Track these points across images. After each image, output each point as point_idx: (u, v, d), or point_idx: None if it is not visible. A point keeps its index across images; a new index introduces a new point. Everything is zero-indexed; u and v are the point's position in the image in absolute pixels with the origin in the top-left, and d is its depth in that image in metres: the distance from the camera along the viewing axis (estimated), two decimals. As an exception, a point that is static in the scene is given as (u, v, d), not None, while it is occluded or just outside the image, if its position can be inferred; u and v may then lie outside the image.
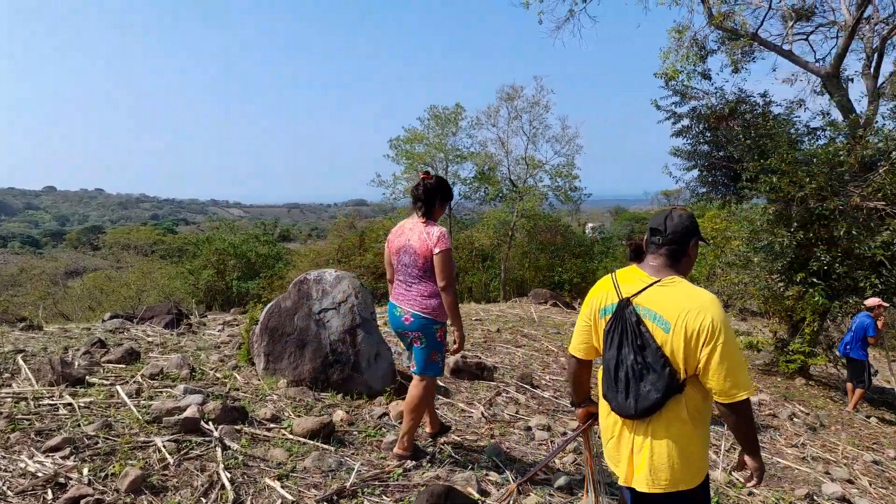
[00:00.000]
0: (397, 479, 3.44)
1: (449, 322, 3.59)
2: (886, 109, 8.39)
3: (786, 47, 9.57)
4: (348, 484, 3.26)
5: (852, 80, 9.28)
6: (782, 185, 8.20)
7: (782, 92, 27.37)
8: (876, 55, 9.17)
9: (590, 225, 34.81)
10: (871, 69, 9.11)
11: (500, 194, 24.51)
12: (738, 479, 4.49)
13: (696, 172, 10.38)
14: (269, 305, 5.06)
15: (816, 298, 8.38)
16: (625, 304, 2.27)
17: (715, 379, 2.09)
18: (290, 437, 3.83)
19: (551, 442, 4.55)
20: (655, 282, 2.26)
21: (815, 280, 8.53)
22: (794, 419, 6.67)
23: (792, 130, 8.92)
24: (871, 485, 5.17)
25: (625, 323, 2.26)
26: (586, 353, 2.50)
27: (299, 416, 4.13)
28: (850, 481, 5.11)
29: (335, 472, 3.43)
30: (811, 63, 9.73)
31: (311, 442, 3.77)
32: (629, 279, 2.35)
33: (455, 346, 3.63)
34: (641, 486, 2.27)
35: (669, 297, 2.20)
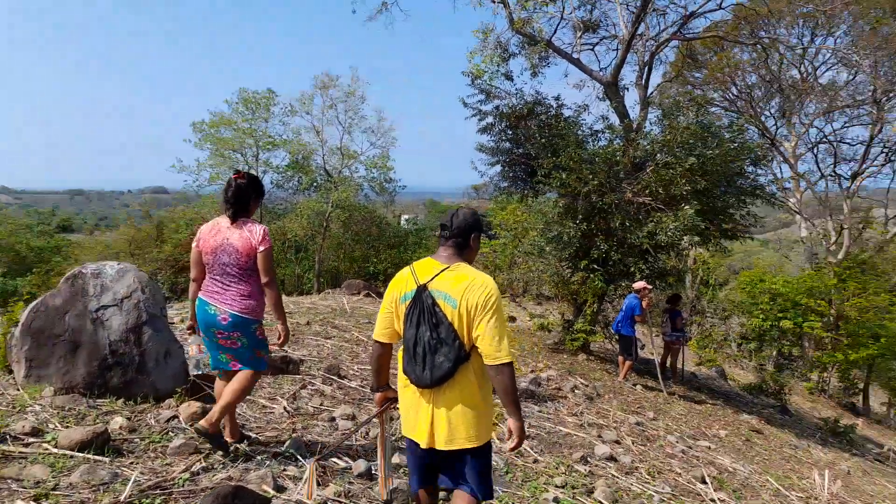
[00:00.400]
0: (183, 486, 3.18)
1: (275, 317, 3.60)
2: (654, 116, 9.73)
3: (575, 55, 10.60)
4: (123, 497, 2.94)
5: (628, 88, 10.57)
6: (570, 181, 9.07)
7: (573, 96, 30.34)
8: (647, 68, 10.57)
9: (405, 216, 35.61)
10: (643, 80, 10.49)
11: (315, 184, 24.02)
12: (525, 449, 4.88)
13: (498, 168, 11.09)
14: (32, 304, 4.37)
15: (596, 283, 9.43)
16: (422, 289, 2.63)
17: (485, 344, 2.51)
18: (55, 451, 3.35)
19: (356, 431, 4.55)
20: (445, 268, 2.66)
21: (595, 266, 9.59)
22: (576, 391, 7.43)
23: (579, 132, 9.89)
24: (633, 443, 5.95)
25: (422, 305, 2.61)
26: (389, 338, 2.80)
27: (67, 427, 3.63)
28: (617, 442, 5.82)
29: (108, 485, 3.07)
30: (595, 71, 10.89)
31: (81, 454, 3.33)
32: (425, 268, 2.70)
33: (280, 341, 3.63)
34: (442, 445, 2.62)
35: (456, 280, 2.62)
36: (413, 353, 2.63)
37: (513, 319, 13.48)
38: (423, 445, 2.67)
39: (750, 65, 20.91)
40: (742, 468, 6.31)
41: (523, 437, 2.65)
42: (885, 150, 21.13)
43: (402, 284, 2.73)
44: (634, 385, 9.21)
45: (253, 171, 23.51)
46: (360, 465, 3.73)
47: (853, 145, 22.12)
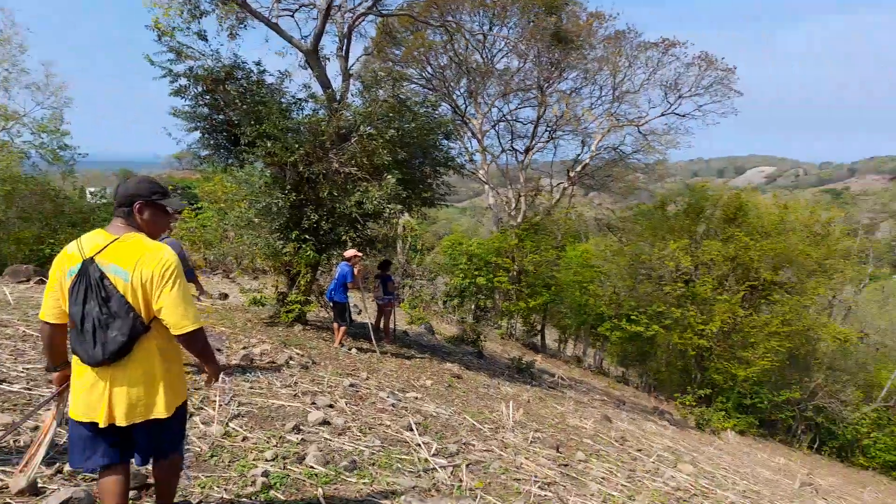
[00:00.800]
0: None
1: None
2: (355, 89, 9.96)
3: (273, 20, 10.23)
4: None
5: (329, 59, 10.61)
6: (276, 150, 8.83)
7: (276, 63, 29.65)
8: (346, 39, 10.74)
9: (90, 189, 30.77)
10: (343, 51, 10.65)
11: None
12: (233, 429, 4.69)
13: (197, 135, 10.24)
14: None
15: (308, 253, 9.43)
16: (89, 263, 2.53)
17: (169, 314, 2.56)
18: None
19: (15, 442, 3.81)
20: (115, 240, 2.59)
21: (307, 237, 9.57)
22: (291, 362, 7.39)
23: (283, 100, 9.63)
24: (347, 405, 6.17)
25: (89, 279, 2.52)
26: (58, 318, 2.68)
27: None
28: (331, 406, 5.97)
29: None
30: (296, 39, 10.68)
31: None
32: (93, 241, 2.61)
33: None
34: (122, 420, 2.57)
35: (127, 251, 2.56)
36: (81, 329, 2.53)
37: (225, 297, 12.79)
38: (102, 424, 2.57)
39: (441, 46, 22.86)
40: (444, 411, 7.03)
41: (219, 375, 2.99)
42: (548, 129, 25.23)
43: (67, 259, 2.61)
44: (350, 350, 9.53)
45: None
46: (19, 482, 3.14)
47: (525, 124, 25.96)
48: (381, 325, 11.12)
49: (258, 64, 10.05)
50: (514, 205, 25.67)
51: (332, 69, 10.66)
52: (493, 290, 23.35)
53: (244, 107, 9.20)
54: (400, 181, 8.86)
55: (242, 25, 10.17)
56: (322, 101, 9.71)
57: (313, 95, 9.63)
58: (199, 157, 10.33)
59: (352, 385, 7.05)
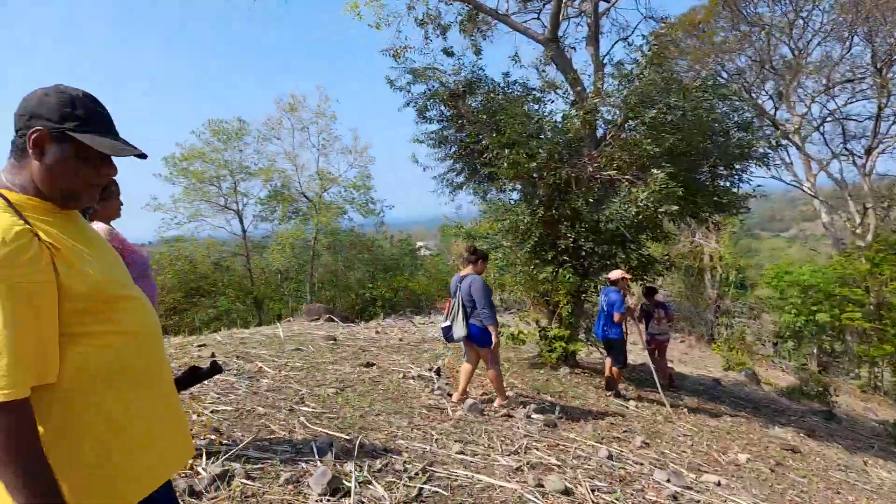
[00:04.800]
0: None
1: None
2: (610, 78, 8.05)
3: (502, 10, 9.00)
4: None
5: (574, 48, 8.95)
6: (518, 158, 7.47)
7: (517, 75, 28.90)
8: (595, 23, 8.85)
9: (421, 243, 33.71)
10: (592, 37, 8.81)
11: (296, 211, 22.74)
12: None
13: (449, 162, 9.54)
14: None
15: (567, 277, 7.75)
16: None
17: None
18: None
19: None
20: None
21: (565, 258, 7.93)
22: (532, 417, 5.72)
23: (527, 101, 8.31)
24: (594, 492, 4.22)
25: None
26: None
27: None
28: (566, 492, 4.10)
29: None
30: (530, 29, 9.24)
31: None
32: None
33: None
34: None
35: None
36: None
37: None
38: None
39: (736, 43, 19.08)
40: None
41: None
42: (897, 121, 19.07)
43: None
44: (628, 400, 7.46)
45: (233, 204, 22.59)
46: None
47: (861, 121, 20.07)
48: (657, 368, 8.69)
49: (506, 75, 8.97)
50: (858, 221, 19.85)
51: (580, 60, 8.92)
52: (843, 329, 18.14)
53: (484, 117, 8.11)
54: (673, 176, 6.61)
55: (485, 38, 9.22)
56: (559, 86, 8.07)
57: (551, 84, 8.04)
58: (451, 184, 9.58)
59: (611, 457, 5.04)
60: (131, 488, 1.42)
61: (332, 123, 21.80)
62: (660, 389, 7.51)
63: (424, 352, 8.23)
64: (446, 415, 5.38)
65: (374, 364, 7.02)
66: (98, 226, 3.25)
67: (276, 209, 22.36)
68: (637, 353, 11.46)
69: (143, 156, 1.52)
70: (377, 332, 9.79)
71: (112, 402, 1.39)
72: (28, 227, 1.30)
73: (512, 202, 8.48)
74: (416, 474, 3.80)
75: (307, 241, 22.19)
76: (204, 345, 7.99)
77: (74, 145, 1.39)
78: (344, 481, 3.45)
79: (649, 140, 6.74)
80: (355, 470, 3.65)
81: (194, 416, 4.49)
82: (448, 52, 9.14)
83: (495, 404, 5.94)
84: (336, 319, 11.73)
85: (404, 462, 3.96)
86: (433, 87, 8.69)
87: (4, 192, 1.37)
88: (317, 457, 3.77)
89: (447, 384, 6.46)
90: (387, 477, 3.68)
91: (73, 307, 1.33)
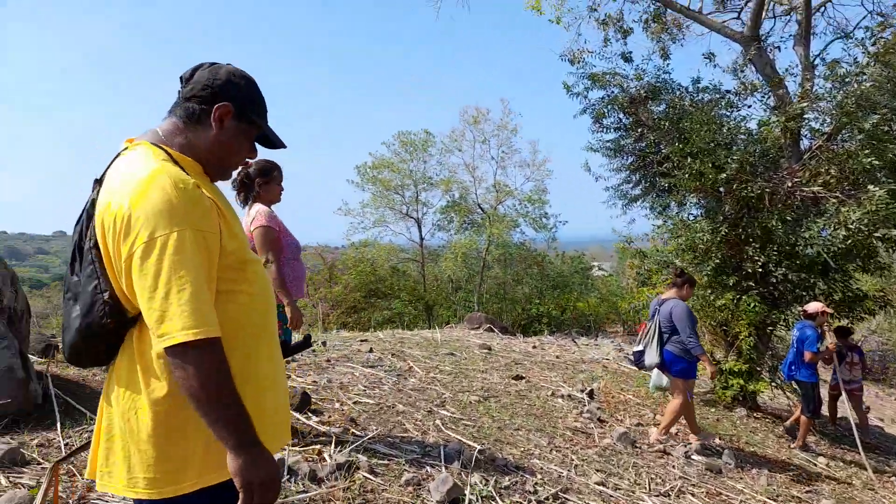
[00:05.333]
0: None
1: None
2: (821, 80, 6.89)
3: (695, 8, 8.15)
4: None
5: (779, 48, 7.84)
6: (703, 169, 6.76)
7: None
8: (806, 19, 7.62)
9: (595, 263, 32.38)
10: (802, 35, 7.57)
11: (471, 222, 23.18)
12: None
13: (625, 173, 8.98)
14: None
15: (752, 306, 6.81)
16: (94, 188, 1.43)
17: (142, 308, 1.25)
18: None
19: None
20: (124, 150, 1.45)
21: (750, 284, 6.99)
22: (692, 458, 5.04)
23: (723, 113, 7.51)
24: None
25: (80, 217, 1.44)
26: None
27: None
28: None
29: None
30: (727, 27, 8.24)
31: None
32: None
33: (291, 324, 3.39)
34: (104, 486, 1.38)
35: (117, 167, 1.39)
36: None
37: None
38: (93, 476, 1.44)
39: None
40: None
41: (252, 489, 1.24)
42: None
43: None
44: (817, 456, 6.35)
45: (413, 212, 23.72)
46: None
47: None
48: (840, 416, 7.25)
49: (696, 81, 8.23)
50: None
51: (785, 61, 7.80)
52: None
53: (667, 124, 7.49)
54: (895, 195, 5.46)
55: (674, 40, 8.52)
56: (759, 88, 7.12)
57: (749, 85, 7.12)
58: (625, 197, 9.01)
59: (785, 518, 4.25)
60: (278, 438, 1.48)
61: (512, 137, 21.91)
62: (860, 448, 6.26)
63: (580, 372, 7.76)
64: (592, 440, 4.94)
65: (524, 378, 6.75)
66: (259, 207, 3.44)
67: (453, 219, 22.99)
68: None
69: (284, 146, 1.63)
70: (534, 347, 9.47)
71: (257, 355, 1.43)
72: (195, 182, 1.34)
73: (691, 218, 7.69)
74: (547, 499, 3.48)
75: (479, 252, 22.49)
76: (365, 340, 8.34)
77: (248, 127, 1.50)
78: (466, 492, 3.25)
79: (867, 151, 5.65)
80: (480, 483, 3.43)
81: (336, 404, 4.60)
82: (626, 58, 8.63)
83: (651, 437, 5.35)
84: (496, 330, 11.60)
85: (535, 483, 3.66)
86: (612, 92, 8.24)
87: (166, 148, 1.42)
88: (443, 462, 3.62)
89: (599, 408, 5.97)
90: (513, 496, 3.41)
91: (225, 263, 1.36)
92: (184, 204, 1.25)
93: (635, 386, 7.53)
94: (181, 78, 1.49)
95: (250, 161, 3.12)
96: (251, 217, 3.40)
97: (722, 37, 8.05)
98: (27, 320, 3.65)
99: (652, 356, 5.31)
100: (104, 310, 1.32)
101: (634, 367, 6.62)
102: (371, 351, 7.18)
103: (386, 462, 3.49)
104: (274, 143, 1.60)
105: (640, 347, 5.46)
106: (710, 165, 6.72)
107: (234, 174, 2.81)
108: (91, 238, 1.35)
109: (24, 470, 2.61)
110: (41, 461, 2.74)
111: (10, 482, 2.47)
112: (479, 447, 4.01)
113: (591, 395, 6.35)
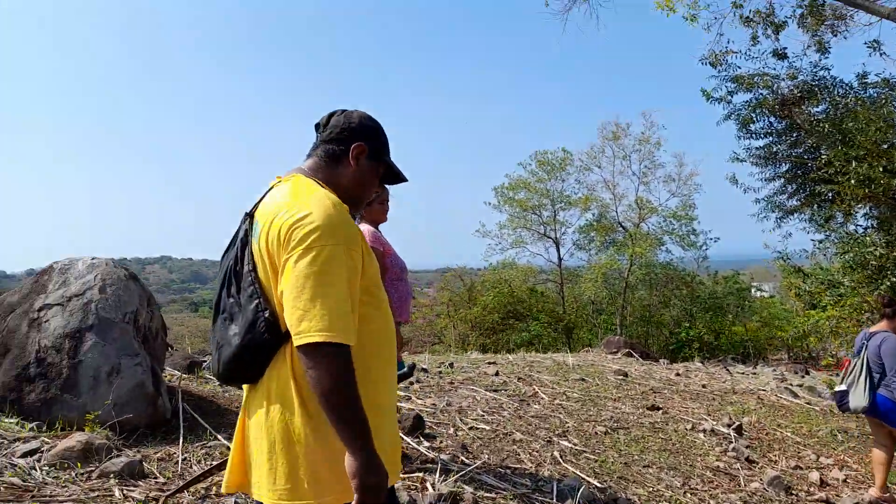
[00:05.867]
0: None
1: None
2: None
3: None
4: None
5: None
6: (872, 174, 5.87)
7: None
8: None
9: (755, 284, 29.59)
10: None
11: (612, 241, 22.24)
12: None
13: (779, 183, 8.11)
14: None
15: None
16: (245, 220, 1.61)
17: (287, 308, 1.38)
18: None
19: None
20: (278, 183, 1.65)
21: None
22: (845, 483, 4.26)
23: (891, 106, 6.52)
24: None
25: (234, 245, 1.62)
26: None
27: None
28: None
29: None
30: (882, 5, 6.99)
31: None
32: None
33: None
34: (255, 493, 1.51)
35: (272, 196, 1.58)
36: (213, 327, 1.62)
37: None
38: (224, 489, 1.62)
39: None
40: None
41: (369, 494, 1.33)
42: None
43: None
44: None
45: (551, 232, 23.26)
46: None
47: None
48: None
49: (862, 76, 7.25)
50: None
51: None
52: None
53: (827, 126, 6.63)
54: None
55: (835, 34, 7.55)
56: None
57: None
58: (779, 209, 8.12)
59: None
60: (394, 466, 1.52)
61: (655, 151, 20.82)
62: None
63: (729, 404, 6.99)
64: (736, 483, 4.36)
65: (661, 408, 6.20)
66: (364, 227, 3.47)
67: (593, 238, 22.26)
68: None
69: (405, 180, 1.84)
70: (677, 375, 8.71)
71: (380, 378, 1.52)
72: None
73: (860, 230, 6.71)
74: (674, 549, 3.09)
75: (620, 273, 21.48)
76: (493, 362, 8.19)
77: (379, 165, 1.71)
78: (577, 535, 2.97)
79: None
80: (596, 525, 3.13)
81: (451, 429, 4.50)
82: (780, 55, 7.80)
83: (868, 495, 4.54)
84: (635, 355, 10.91)
85: (662, 530, 3.27)
86: (760, 94, 7.49)
87: (317, 180, 1.60)
88: (555, 499, 3.36)
89: (748, 446, 5.29)
90: (633, 543, 3.07)
91: (363, 285, 1.47)
92: (341, 223, 1.42)
93: (796, 422, 6.62)
94: (317, 125, 1.70)
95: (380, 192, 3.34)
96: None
97: (893, 23, 6.98)
98: (163, 339, 4.00)
99: (858, 398, 4.56)
100: (265, 326, 1.42)
101: (795, 401, 5.81)
102: (497, 374, 7.03)
103: (493, 496, 3.30)
104: (398, 177, 1.81)
105: (844, 387, 4.73)
106: (881, 169, 5.81)
107: None
108: (249, 262, 1.50)
109: (140, 483, 2.80)
110: (157, 475, 2.93)
111: (123, 495, 2.64)
112: (599, 484, 3.70)
113: (739, 430, 5.66)
